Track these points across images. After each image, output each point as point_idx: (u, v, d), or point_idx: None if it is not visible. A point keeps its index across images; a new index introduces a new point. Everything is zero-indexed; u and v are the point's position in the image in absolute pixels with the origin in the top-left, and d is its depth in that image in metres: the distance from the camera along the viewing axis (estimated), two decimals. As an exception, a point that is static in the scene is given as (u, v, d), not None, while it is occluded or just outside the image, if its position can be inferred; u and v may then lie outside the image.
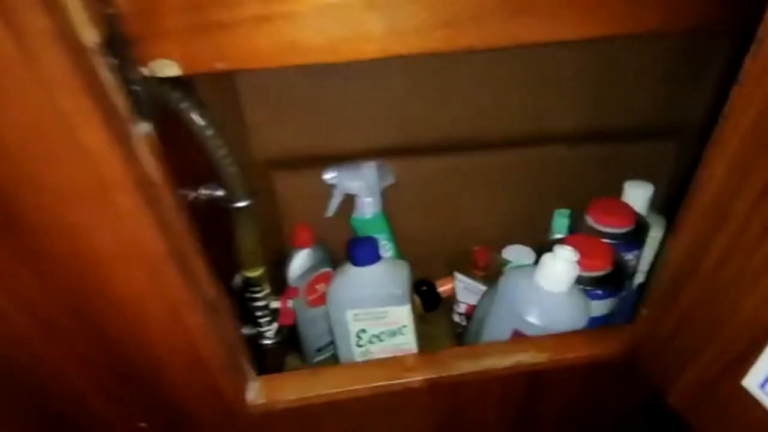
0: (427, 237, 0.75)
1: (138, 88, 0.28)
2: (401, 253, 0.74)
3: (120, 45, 0.27)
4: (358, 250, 0.59)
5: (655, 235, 0.63)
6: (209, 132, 0.37)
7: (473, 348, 0.49)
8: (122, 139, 0.28)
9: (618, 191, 0.65)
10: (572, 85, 0.65)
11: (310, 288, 0.70)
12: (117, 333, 0.35)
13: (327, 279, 0.68)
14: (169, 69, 0.29)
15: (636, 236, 0.60)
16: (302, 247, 0.67)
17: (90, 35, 0.25)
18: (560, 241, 0.52)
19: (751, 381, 0.31)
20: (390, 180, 0.68)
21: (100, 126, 0.26)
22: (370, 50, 0.30)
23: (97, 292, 0.32)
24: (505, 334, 0.52)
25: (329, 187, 0.67)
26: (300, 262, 0.68)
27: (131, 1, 0.27)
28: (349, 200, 0.68)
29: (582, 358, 0.46)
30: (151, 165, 0.30)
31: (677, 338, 0.38)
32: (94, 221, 0.29)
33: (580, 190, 0.65)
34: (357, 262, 0.59)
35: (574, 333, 0.49)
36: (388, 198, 0.69)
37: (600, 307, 0.55)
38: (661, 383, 0.40)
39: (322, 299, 0.66)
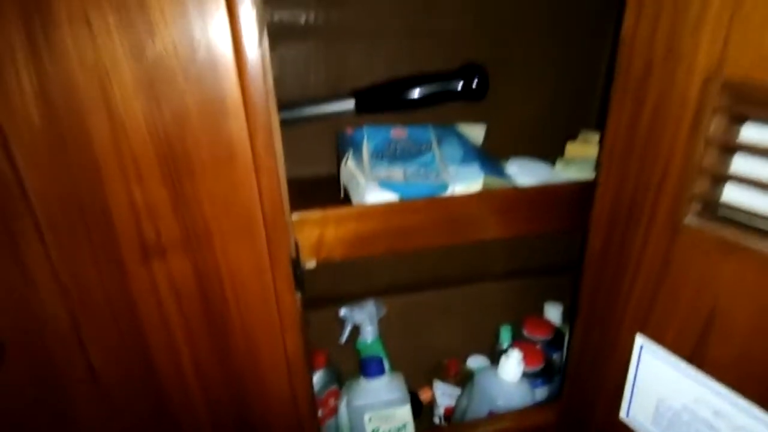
0: (409, 354, 1.00)
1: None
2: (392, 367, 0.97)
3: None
4: (371, 366, 0.82)
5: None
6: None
7: (464, 424, 0.73)
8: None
9: (541, 309, 0.96)
10: (500, 245, 0.98)
11: (325, 402, 0.89)
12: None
13: (336, 395, 0.88)
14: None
15: (557, 342, 0.90)
16: (318, 368, 0.89)
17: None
18: (509, 348, 0.79)
19: (622, 413, 0.57)
20: (383, 312, 0.94)
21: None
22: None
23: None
24: (484, 416, 0.76)
25: (339, 320, 0.91)
26: (316, 380, 0.88)
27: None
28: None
29: (533, 424, 0.71)
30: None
31: (583, 399, 0.64)
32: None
33: (515, 310, 0.94)
34: (369, 375, 0.82)
35: (527, 408, 0.74)
36: (381, 325, 0.94)
37: (541, 392, 0.81)
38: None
39: (333, 411, 0.86)
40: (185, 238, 0.47)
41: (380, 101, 0.69)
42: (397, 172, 0.71)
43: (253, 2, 0.41)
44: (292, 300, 0.53)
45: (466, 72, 0.71)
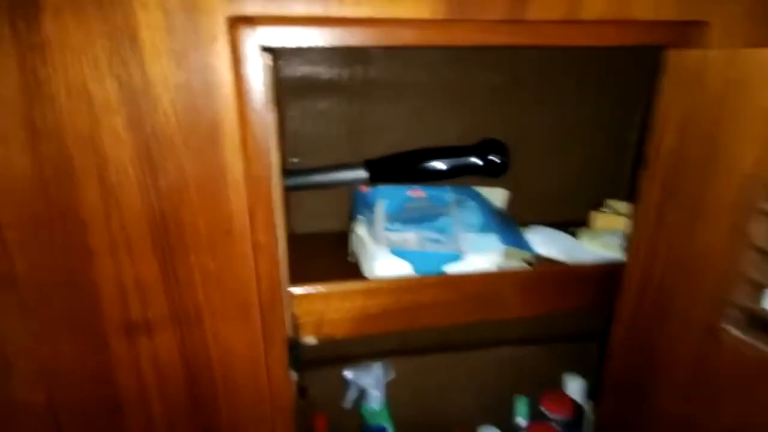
0: (417, 421, 0.93)
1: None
2: (398, 436, 0.90)
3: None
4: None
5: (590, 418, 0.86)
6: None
7: None
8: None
9: (560, 379, 0.89)
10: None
11: (324, 471, 0.83)
12: None
13: (336, 462, 0.82)
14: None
15: (577, 421, 0.82)
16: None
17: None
18: (525, 429, 0.72)
19: None
20: (391, 375, 0.88)
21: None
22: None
23: None
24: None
25: (345, 383, 0.86)
26: (316, 446, 0.83)
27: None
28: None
29: None
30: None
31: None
32: None
33: (531, 379, 0.88)
34: (372, 448, 0.76)
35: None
36: (389, 389, 0.88)
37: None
38: None
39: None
40: (173, 315, 0.44)
41: (394, 172, 0.66)
42: (411, 237, 0.67)
43: (264, 69, 0.39)
44: (286, 382, 0.49)
45: (486, 147, 0.67)
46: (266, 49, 0.39)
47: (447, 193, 0.74)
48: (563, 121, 0.75)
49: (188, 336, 0.45)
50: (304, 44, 0.39)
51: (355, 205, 0.73)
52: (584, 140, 0.78)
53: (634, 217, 0.49)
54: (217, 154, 0.40)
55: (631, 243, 0.49)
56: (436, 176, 0.66)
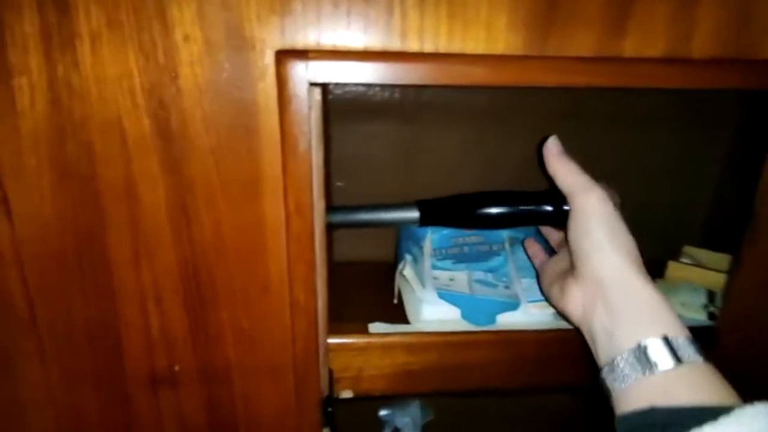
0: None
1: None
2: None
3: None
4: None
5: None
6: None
7: None
8: None
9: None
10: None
11: None
12: None
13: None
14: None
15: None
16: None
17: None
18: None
19: None
20: (429, 417, 0.82)
21: None
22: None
23: None
24: None
25: (379, 423, 0.81)
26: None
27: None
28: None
29: None
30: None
31: None
32: None
33: (583, 430, 0.80)
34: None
35: None
36: (425, 431, 0.83)
37: None
38: None
39: None
40: (201, 371, 0.40)
41: (450, 216, 0.58)
42: (461, 278, 0.61)
43: (313, 108, 0.34)
44: (319, 445, 0.44)
45: (558, 194, 0.55)
46: (316, 84, 0.35)
47: (502, 230, 0.68)
48: (633, 154, 0.67)
49: (215, 394, 0.41)
50: (361, 80, 0.34)
51: (400, 237, 0.68)
52: (656, 176, 0.69)
53: (732, 274, 0.41)
54: (257, 206, 0.36)
55: (726, 305, 0.41)
56: (498, 224, 0.58)
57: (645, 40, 0.35)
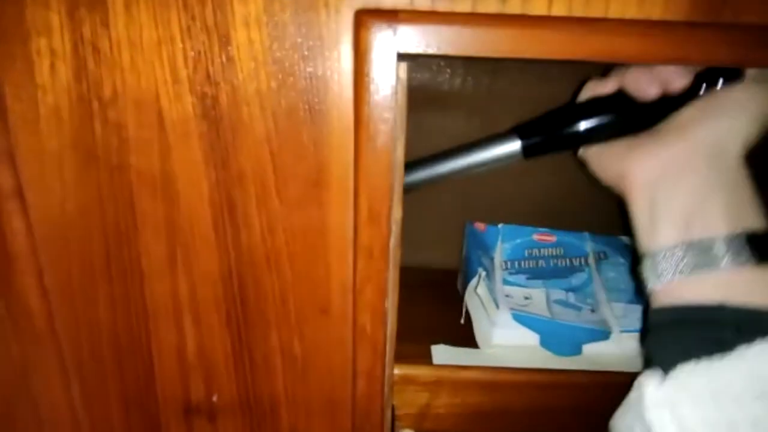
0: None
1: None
2: None
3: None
4: None
5: None
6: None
7: None
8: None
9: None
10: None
11: None
12: None
13: None
14: None
15: None
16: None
17: None
18: None
19: None
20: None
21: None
22: None
23: None
24: None
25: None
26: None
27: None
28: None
29: None
30: None
31: None
32: None
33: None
34: None
35: None
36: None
37: None
38: None
39: None
40: (243, 402, 0.34)
41: (563, 134, 0.41)
42: (537, 296, 0.52)
43: (399, 88, 0.26)
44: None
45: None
46: (405, 57, 0.27)
47: (585, 241, 0.58)
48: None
49: (258, 429, 0.35)
50: (467, 52, 0.25)
51: (467, 245, 0.59)
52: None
53: None
54: (321, 209, 0.28)
55: None
56: (626, 126, 0.40)
57: None
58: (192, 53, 0.26)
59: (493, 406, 0.41)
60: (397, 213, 0.30)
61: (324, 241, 0.29)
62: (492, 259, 0.56)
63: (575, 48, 0.25)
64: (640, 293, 0.44)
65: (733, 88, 0.31)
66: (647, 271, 0.32)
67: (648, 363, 0.32)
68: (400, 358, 0.40)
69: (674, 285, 0.30)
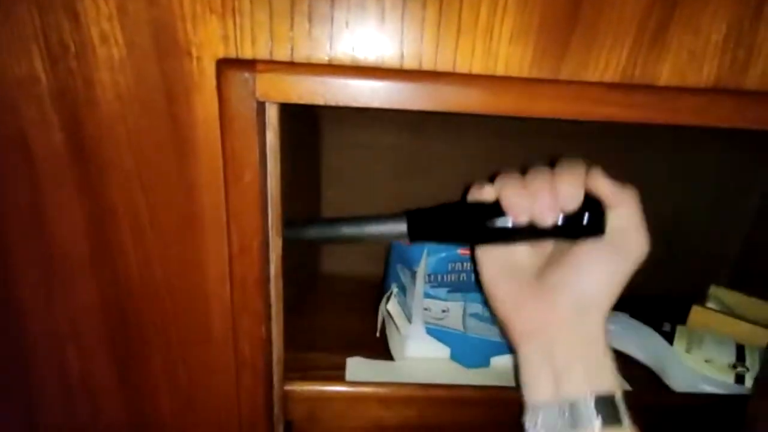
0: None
1: None
2: None
3: None
4: None
5: None
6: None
7: None
8: None
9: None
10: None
11: None
12: None
13: None
14: None
15: None
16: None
17: None
18: None
19: None
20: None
21: None
22: None
23: None
24: None
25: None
26: None
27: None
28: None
29: None
30: None
31: None
32: None
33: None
34: None
35: None
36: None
37: None
38: None
39: None
40: (131, 424, 0.34)
41: (445, 229, 0.46)
42: (455, 310, 0.54)
43: (269, 132, 0.27)
44: None
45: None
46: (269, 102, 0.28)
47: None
48: (661, 178, 0.59)
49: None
50: (323, 102, 0.27)
51: (390, 257, 0.61)
52: (684, 203, 0.61)
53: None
54: (195, 243, 0.29)
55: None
56: (504, 236, 0.45)
57: (687, 66, 0.28)
58: (58, 93, 0.27)
59: (394, 420, 0.43)
60: (277, 244, 0.32)
61: (201, 273, 0.30)
62: (414, 272, 0.58)
63: (425, 99, 0.27)
64: None
65: (595, 242, 0.34)
66: (528, 422, 0.34)
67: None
68: (316, 369, 0.41)
69: None
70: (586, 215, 0.34)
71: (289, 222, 0.43)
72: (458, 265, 0.59)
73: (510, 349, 0.38)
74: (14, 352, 0.32)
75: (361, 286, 0.62)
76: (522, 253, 0.38)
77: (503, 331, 0.38)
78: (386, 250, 0.62)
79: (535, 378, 0.34)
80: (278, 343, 0.34)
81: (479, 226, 0.39)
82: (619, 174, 0.34)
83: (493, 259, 0.39)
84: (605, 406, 0.31)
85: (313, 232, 0.43)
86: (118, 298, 0.31)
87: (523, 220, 0.34)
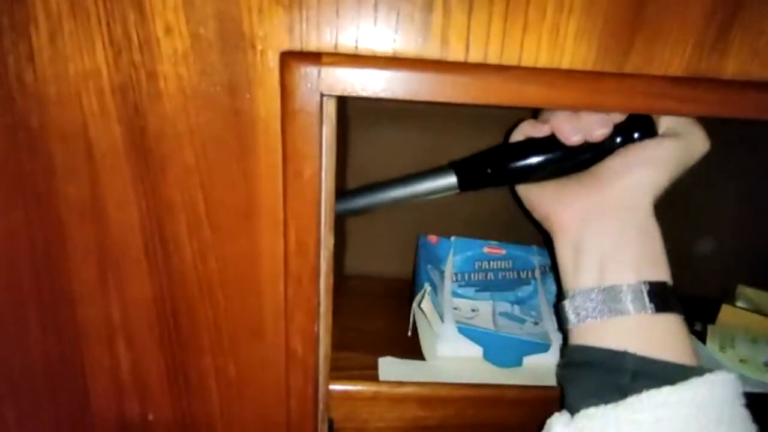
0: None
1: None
2: None
3: None
4: None
5: None
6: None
7: None
8: None
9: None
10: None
11: None
12: None
13: None
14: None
15: None
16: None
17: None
18: None
19: None
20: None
21: None
22: None
23: None
24: None
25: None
26: None
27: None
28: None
29: None
30: None
31: None
32: None
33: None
34: None
35: None
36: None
37: None
38: None
39: None
40: (178, 420, 0.34)
41: (497, 171, 0.42)
42: (484, 309, 0.54)
43: (325, 125, 0.27)
44: None
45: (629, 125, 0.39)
46: (330, 96, 0.28)
47: (533, 255, 0.60)
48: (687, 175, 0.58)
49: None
50: (387, 94, 0.26)
51: (418, 258, 0.60)
52: (714, 202, 0.61)
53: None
54: (251, 239, 0.29)
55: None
56: (554, 167, 0.41)
57: (753, 59, 0.27)
58: (119, 86, 0.27)
59: (434, 420, 0.42)
60: (329, 241, 0.31)
61: (255, 269, 0.30)
62: (442, 271, 0.57)
63: (489, 93, 0.26)
64: (560, 329, 0.47)
65: (647, 142, 0.34)
66: (566, 309, 0.35)
67: (562, 398, 0.35)
68: (347, 369, 0.41)
69: (587, 327, 0.33)
70: (635, 123, 0.34)
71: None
72: (485, 264, 0.59)
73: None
74: (69, 342, 0.32)
75: (385, 287, 0.62)
76: None
77: (542, 228, 0.39)
78: (413, 250, 0.62)
79: (582, 264, 0.34)
80: (326, 340, 0.34)
81: (528, 162, 0.39)
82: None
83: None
84: (658, 293, 0.32)
85: (363, 202, 0.43)
86: (172, 291, 0.31)
87: (575, 140, 0.34)
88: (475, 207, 0.61)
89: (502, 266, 0.59)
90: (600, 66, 0.27)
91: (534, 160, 0.38)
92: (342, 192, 0.42)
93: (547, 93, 0.27)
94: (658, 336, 0.32)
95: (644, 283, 0.32)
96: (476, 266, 0.59)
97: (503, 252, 0.59)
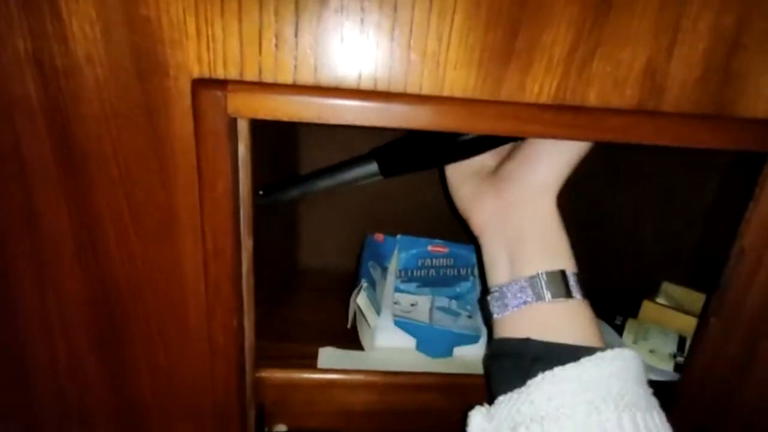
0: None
1: None
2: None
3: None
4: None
5: None
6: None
7: None
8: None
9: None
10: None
11: None
12: None
13: None
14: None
15: None
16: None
17: None
18: None
19: None
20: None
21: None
22: None
23: None
24: None
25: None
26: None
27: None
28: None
29: None
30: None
31: None
32: None
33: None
34: None
35: None
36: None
37: None
38: None
39: None
40: (116, 408, 0.38)
41: (416, 155, 0.45)
42: (423, 303, 0.58)
43: (239, 144, 0.31)
44: None
45: None
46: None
47: (471, 253, 0.64)
48: (622, 178, 0.63)
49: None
50: (289, 118, 0.30)
51: (362, 255, 0.64)
52: (645, 204, 0.65)
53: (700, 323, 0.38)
54: (174, 244, 0.33)
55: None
56: (471, 147, 0.44)
57: (613, 89, 0.31)
58: (48, 108, 0.30)
59: (360, 406, 0.46)
60: (248, 243, 0.35)
61: (179, 271, 0.34)
62: (385, 268, 0.61)
63: (381, 117, 0.30)
64: (486, 323, 0.51)
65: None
66: (488, 303, 0.38)
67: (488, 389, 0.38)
68: (287, 358, 0.45)
69: (504, 319, 0.36)
70: None
71: (266, 187, 0.46)
72: (428, 261, 0.63)
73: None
74: (11, 343, 0.35)
75: (336, 280, 0.65)
76: (485, 158, 0.42)
77: (467, 229, 0.42)
78: (360, 246, 0.66)
79: (495, 261, 0.38)
80: (250, 333, 0.37)
81: (446, 144, 0.42)
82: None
83: (459, 169, 0.43)
84: (555, 281, 0.34)
85: (291, 193, 0.46)
86: (104, 291, 0.34)
87: None
88: (435, 205, 0.64)
89: (444, 263, 0.63)
90: (478, 94, 0.30)
91: (444, 142, 0.41)
92: (276, 182, 0.46)
93: (431, 117, 0.30)
94: (560, 321, 0.34)
95: (541, 273, 0.35)
96: (420, 263, 0.63)
97: (446, 250, 0.63)
